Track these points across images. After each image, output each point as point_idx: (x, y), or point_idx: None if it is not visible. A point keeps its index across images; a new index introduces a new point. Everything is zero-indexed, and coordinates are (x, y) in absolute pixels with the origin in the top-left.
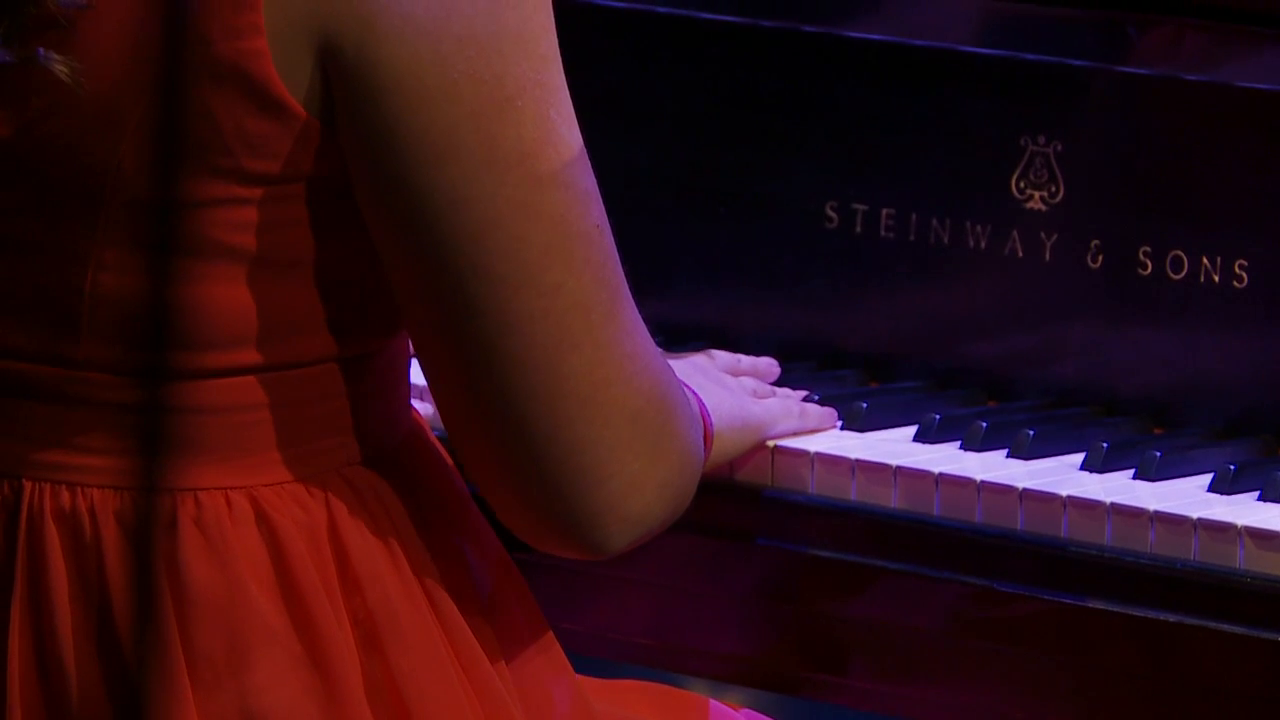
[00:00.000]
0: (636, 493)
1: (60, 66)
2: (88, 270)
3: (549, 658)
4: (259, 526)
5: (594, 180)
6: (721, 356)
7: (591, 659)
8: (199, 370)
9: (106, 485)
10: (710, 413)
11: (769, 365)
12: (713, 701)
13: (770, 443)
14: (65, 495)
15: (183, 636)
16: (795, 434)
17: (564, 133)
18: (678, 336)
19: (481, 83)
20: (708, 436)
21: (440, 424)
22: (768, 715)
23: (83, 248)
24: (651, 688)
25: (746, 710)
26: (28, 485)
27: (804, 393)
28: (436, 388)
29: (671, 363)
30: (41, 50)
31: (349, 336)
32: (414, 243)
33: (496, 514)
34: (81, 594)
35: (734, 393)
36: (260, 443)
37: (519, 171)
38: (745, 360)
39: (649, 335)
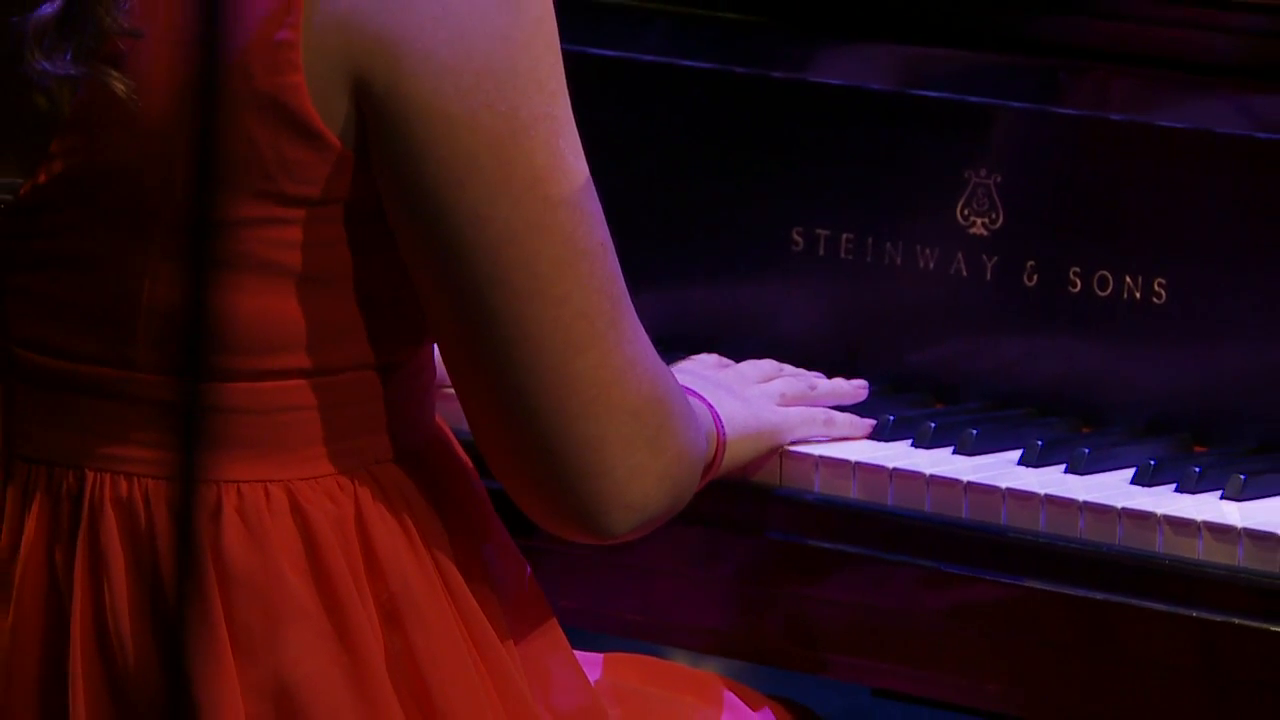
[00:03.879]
0: (638, 482)
1: (118, 84)
2: (144, 282)
3: (550, 635)
4: (294, 516)
5: (599, 204)
6: (760, 366)
7: (585, 632)
8: (243, 374)
9: (159, 476)
10: (725, 422)
11: (816, 375)
12: (694, 671)
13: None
14: (123, 484)
15: (226, 612)
16: (820, 440)
17: (572, 160)
18: (662, 346)
19: (498, 114)
20: (721, 444)
21: (461, 423)
22: (745, 684)
23: (139, 262)
24: (640, 659)
25: (727, 679)
26: (90, 475)
27: (860, 382)
28: (460, 388)
29: (697, 379)
30: (103, 67)
31: (381, 346)
32: (438, 257)
33: (515, 501)
34: (136, 572)
35: (751, 402)
36: (297, 440)
37: (532, 194)
38: (788, 369)
39: (649, 342)
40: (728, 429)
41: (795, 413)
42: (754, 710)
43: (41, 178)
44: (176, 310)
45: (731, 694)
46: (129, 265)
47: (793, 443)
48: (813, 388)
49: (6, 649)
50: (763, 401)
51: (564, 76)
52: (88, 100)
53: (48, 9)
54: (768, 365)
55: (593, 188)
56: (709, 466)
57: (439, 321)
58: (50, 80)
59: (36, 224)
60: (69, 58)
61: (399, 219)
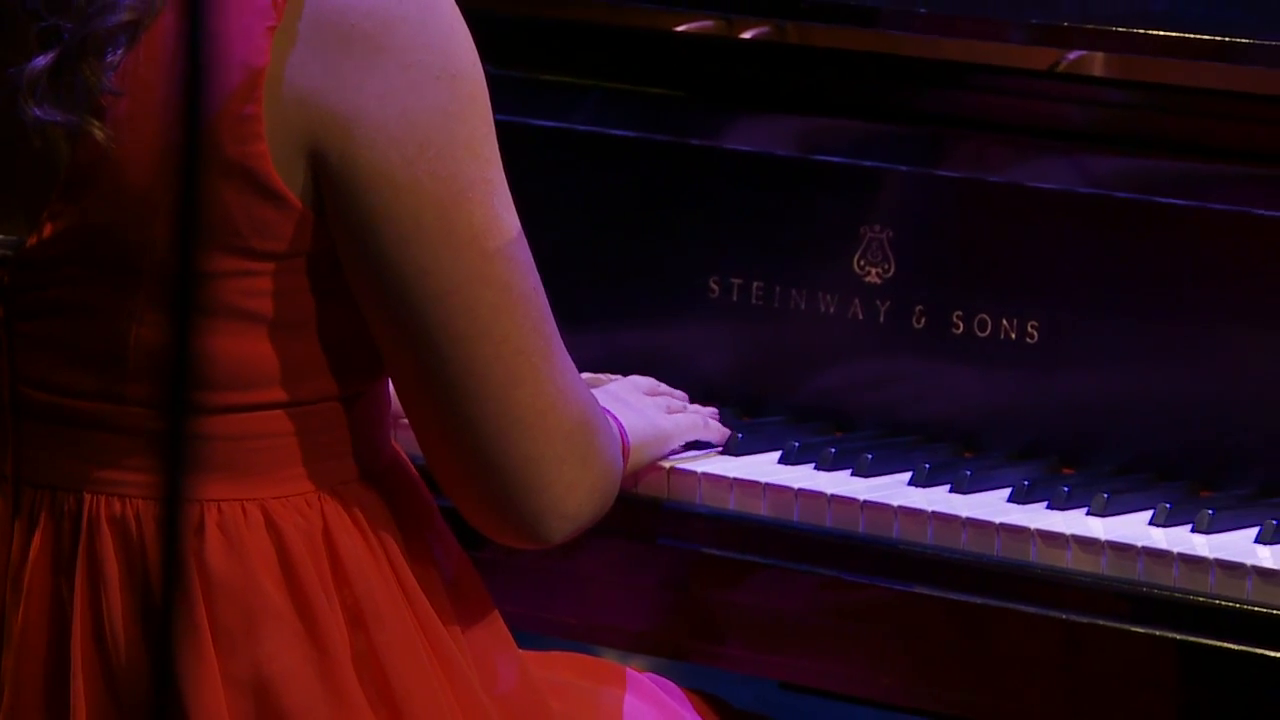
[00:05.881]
0: (571, 495)
1: (98, 131)
2: (131, 327)
3: (496, 634)
4: (268, 531)
5: (530, 253)
6: (645, 381)
7: (527, 633)
8: (220, 406)
9: (149, 497)
10: (628, 432)
11: (681, 395)
12: (621, 667)
13: (667, 464)
14: (117, 505)
15: (209, 614)
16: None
17: (505, 217)
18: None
19: (439, 179)
20: (626, 450)
21: (416, 449)
22: (667, 678)
23: (127, 309)
24: (575, 657)
25: (651, 674)
26: (87, 497)
27: (713, 410)
28: (413, 419)
29: (598, 391)
30: (87, 116)
31: (342, 380)
32: (390, 306)
33: (462, 514)
34: (129, 581)
35: (647, 412)
36: (270, 464)
37: (471, 248)
38: (663, 386)
39: (577, 372)
40: (631, 438)
41: (683, 419)
42: (669, 696)
43: (39, 236)
44: (161, 351)
45: (648, 682)
46: (119, 312)
47: (708, 469)
48: (685, 407)
49: (16, 649)
50: (654, 411)
51: (496, 144)
52: (79, 167)
53: (41, 61)
54: (651, 380)
55: (524, 240)
56: None
57: (392, 361)
58: (43, 126)
59: (38, 276)
60: (58, 106)
61: (354, 272)
